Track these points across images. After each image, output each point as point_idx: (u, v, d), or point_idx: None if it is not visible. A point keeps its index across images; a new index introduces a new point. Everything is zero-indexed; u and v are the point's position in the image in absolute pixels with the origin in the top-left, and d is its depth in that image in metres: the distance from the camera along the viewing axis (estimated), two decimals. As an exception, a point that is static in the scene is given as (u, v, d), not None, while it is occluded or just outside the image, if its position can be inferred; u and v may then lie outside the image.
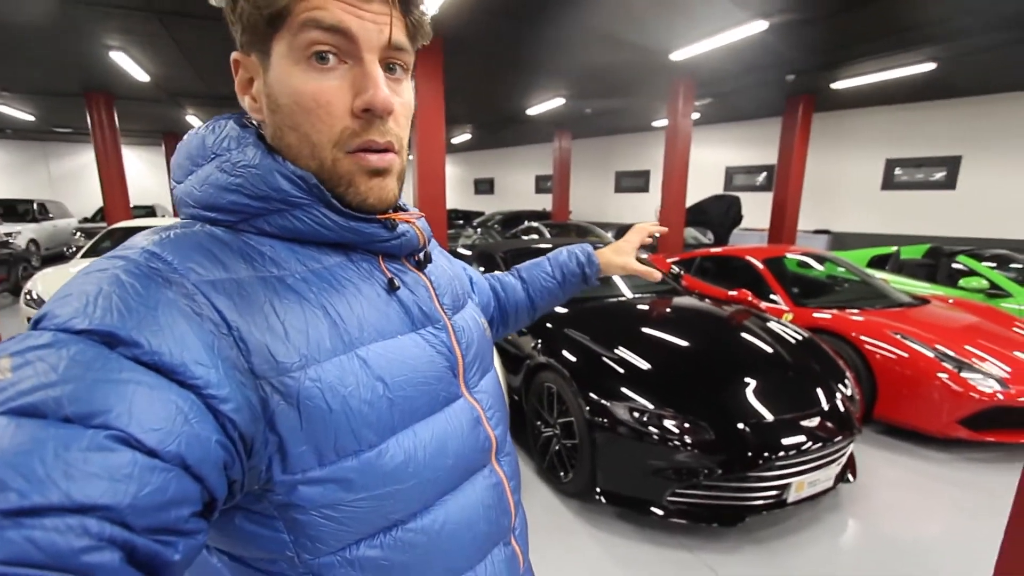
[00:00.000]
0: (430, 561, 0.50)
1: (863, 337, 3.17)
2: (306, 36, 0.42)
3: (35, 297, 4.31)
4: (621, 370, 2.35)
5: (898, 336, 3.06)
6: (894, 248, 5.72)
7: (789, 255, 4.50)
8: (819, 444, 2.10)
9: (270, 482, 0.40)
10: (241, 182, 0.44)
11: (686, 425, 2.07)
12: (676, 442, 2.04)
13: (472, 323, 0.61)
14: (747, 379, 2.32)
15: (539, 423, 2.65)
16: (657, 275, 1.02)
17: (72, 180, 14.52)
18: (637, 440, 2.10)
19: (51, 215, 10.47)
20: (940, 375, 2.83)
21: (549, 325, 2.79)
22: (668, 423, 2.09)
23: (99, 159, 8.08)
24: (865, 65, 6.24)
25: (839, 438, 2.17)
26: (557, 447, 2.49)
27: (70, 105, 8.17)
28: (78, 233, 9.92)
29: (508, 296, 0.92)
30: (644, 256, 4.39)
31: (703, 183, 10.66)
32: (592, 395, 2.26)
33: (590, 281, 0.97)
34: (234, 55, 0.48)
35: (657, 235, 1.05)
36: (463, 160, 18.97)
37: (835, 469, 2.23)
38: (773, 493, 2.08)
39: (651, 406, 2.14)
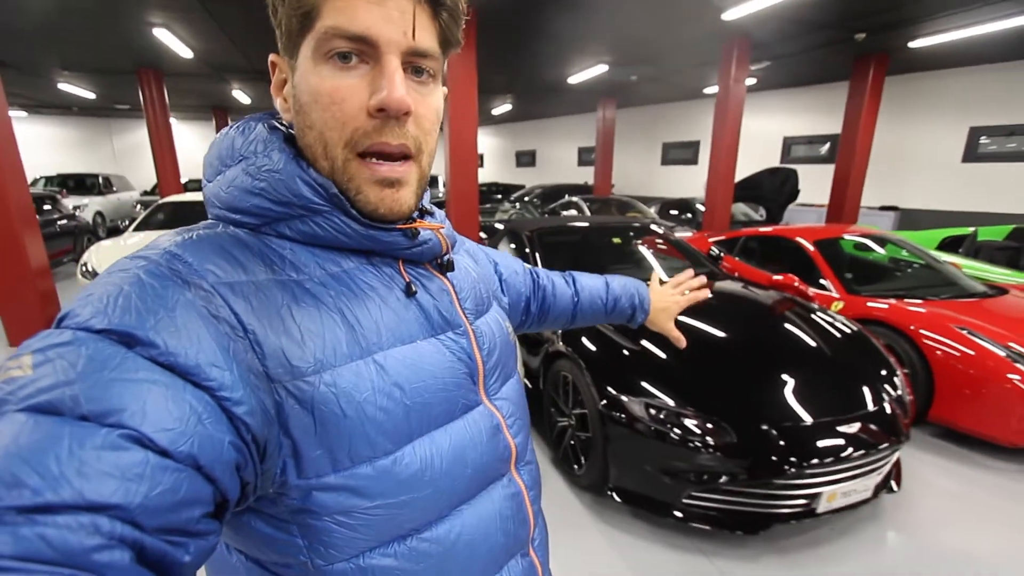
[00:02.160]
0: (444, 572, 0.49)
1: (923, 331, 2.86)
2: (329, 39, 0.42)
3: (90, 269, 4.57)
4: (642, 363, 2.21)
5: (964, 331, 2.74)
6: (970, 229, 5.15)
7: (847, 236, 4.12)
8: (859, 452, 1.90)
9: (285, 486, 0.41)
10: (265, 186, 0.45)
11: (708, 426, 1.92)
12: (696, 443, 1.90)
13: (495, 328, 0.60)
14: (782, 376, 2.13)
15: (554, 411, 2.56)
16: (683, 343, 0.99)
17: (134, 154, 15.32)
18: (654, 439, 1.97)
19: (115, 188, 11.07)
20: (1012, 376, 2.51)
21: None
22: (688, 422, 1.95)
23: (151, 134, 8.44)
24: (951, 19, 5.51)
25: (883, 445, 1.96)
26: (571, 438, 2.40)
27: (125, 82, 8.52)
28: (138, 206, 10.49)
29: (556, 300, 0.92)
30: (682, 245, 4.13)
31: (758, 154, 9.97)
32: (609, 388, 2.14)
33: (633, 324, 0.99)
34: (272, 56, 0.49)
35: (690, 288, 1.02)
36: (504, 131, 18.64)
37: (875, 479, 2.02)
38: (800, 502, 1.92)
39: (671, 403, 2.00)
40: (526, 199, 10.16)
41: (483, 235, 5.76)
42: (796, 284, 3.56)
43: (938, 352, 2.77)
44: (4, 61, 7.33)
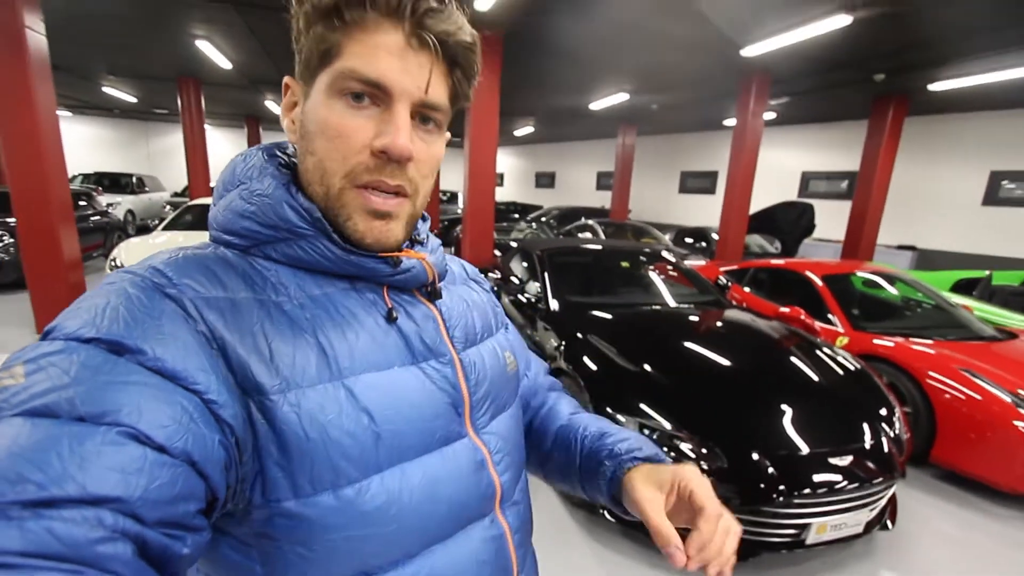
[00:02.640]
0: None
1: (927, 371, 2.86)
2: (345, 80, 0.44)
3: (119, 264, 4.75)
4: (642, 384, 2.26)
5: (968, 374, 2.73)
6: (986, 272, 5.11)
7: (858, 273, 4.14)
8: (851, 485, 1.92)
9: (250, 504, 0.41)
10: (255, 210, 0.47)
11: (702, 450, 1.96)
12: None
13: (489, 359, 0.58)
14: (779, 406, 2.16)
15: (554, 428, 2.60)
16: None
17: (167, 157, 15.90)
18: (646, 458, 2.01)
19: (147, 188, 11.51)
20: (1018, 423, 2.50)
21: (576, 331, 2.72)
22: (682, 445, 1.99)
23: (186, 139, 8.81)
24: (972, 64, 5.57)
25: (876, 480, 1.97)
26: (568, 455, 2.44)
27: (165, 89, 8.93)
28: (167, 207, 10.86)
29: (541, 423, 0.73)
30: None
31: (775, 187, 10.02)
32: (607, 408, 2.19)
33: (599, 495, 0.64)
34: (286, 79, 0.50)
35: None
36: (525, 152, 18.93)
37: (867, 514, 2.03)
38: (790, 532, 1.93)
39: (667, 425, 2.04)
40: (543, 219, 10.29)
41: (497, 252, 5.88)
42: (802, 317, 3.58)
43: (944, 394, 2.77)
44: (56, 64, 7.74)
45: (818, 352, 2.64)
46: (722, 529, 0.50)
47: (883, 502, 2.11)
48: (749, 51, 5.25)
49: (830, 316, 3.61)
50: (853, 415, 2.20)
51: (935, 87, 6.39)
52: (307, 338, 0.44)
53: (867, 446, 2.06)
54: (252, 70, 7.72)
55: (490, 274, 4.27)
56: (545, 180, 18.41)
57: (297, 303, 0.45)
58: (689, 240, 8.95)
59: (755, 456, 1.93)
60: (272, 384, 0.41)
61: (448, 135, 0.53)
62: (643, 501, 0.53)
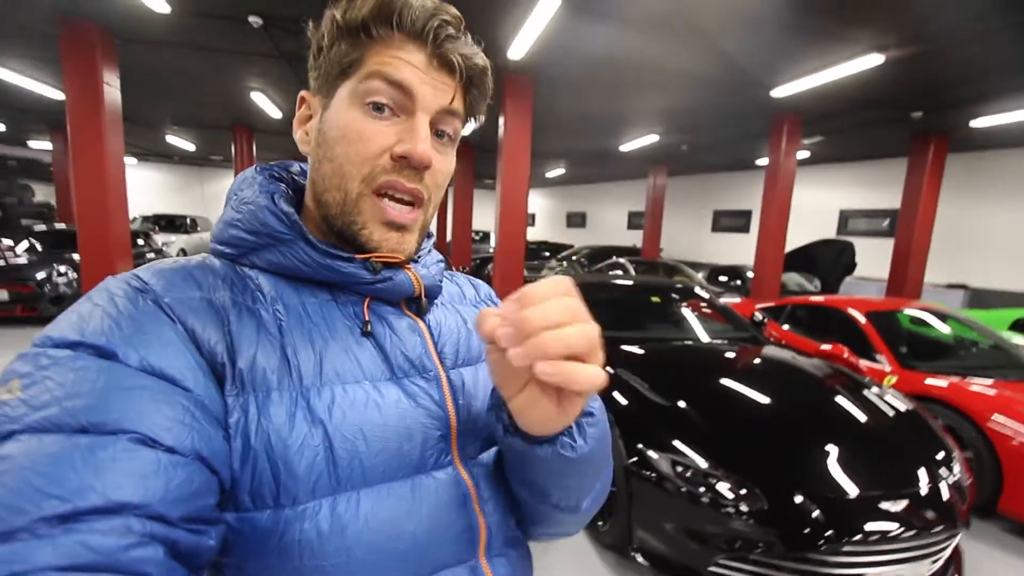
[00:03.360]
0: None
1: (989, 414, 2.66)
2: (370, 84, 0.44)
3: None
4: (676, 420, 2.19)
5: (1035, 418, 2.53)
6: (1048, 311, 4.80)
7: (906, 311, 3.95)
8: (908, 532, 1.77)
9: None
10: (241, 217, 0.47)
11: (740, 490, 1.87)
12: (726, 507, 1.84)
13: (484, 380, 0.53)
14: (823, 446, 2.05)
15: (584, 464, 2.53)
16: None
17: (219, 200, 16.84)
18: (681, 499, 1.93)
19: (199, 228, 12.28)
20: (1094, 472, 2.28)
21: (605, 364, 2.68)
22: (718, 484, 1.90)
23: (237, 183, 9.36)
24: (1014, 100, 5.43)
25: (936, 529, 1.82)
26: (598, 492, 2.35)
27: (220, 137, 9.63)
28: (216, 245, 11.47)
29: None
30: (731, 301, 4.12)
31: (812, 226, 9.80)
32: (638, 444, 2.12)
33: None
34: (303, 92, 0.51)
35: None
36: (557, 194, 19.24)
37: (928, 566, 1.86)
38: (842, 583, 1.79)
39: (702, 463, 1.96)
40: (573, 258, 10.32)
41: (527, 289, 5.90)
42: (846, 355, 3.42)
43: (1010, 440, 2.56)
44: (127, 116, 8.49)
45: (865, 391, 2.51)
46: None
47: (946, 554, 1.94)
48: (779, 92, 5.29)
49: (876, 355, 3.44)
50: (906, 457, 2.06)
51: (977, 124, 6.24)
52: (273, 343, 0.42)
53: (923, 491, 1.91)
54: (300, 119, 8.24)
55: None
56: (576, 220, 18.57)
57: (271, 309, 0.44)
58: (723, 278, 8.78)
59: (799, 498, 1.82)
60: (228, 385, 0.40)
61: (455, 147, 0.53)
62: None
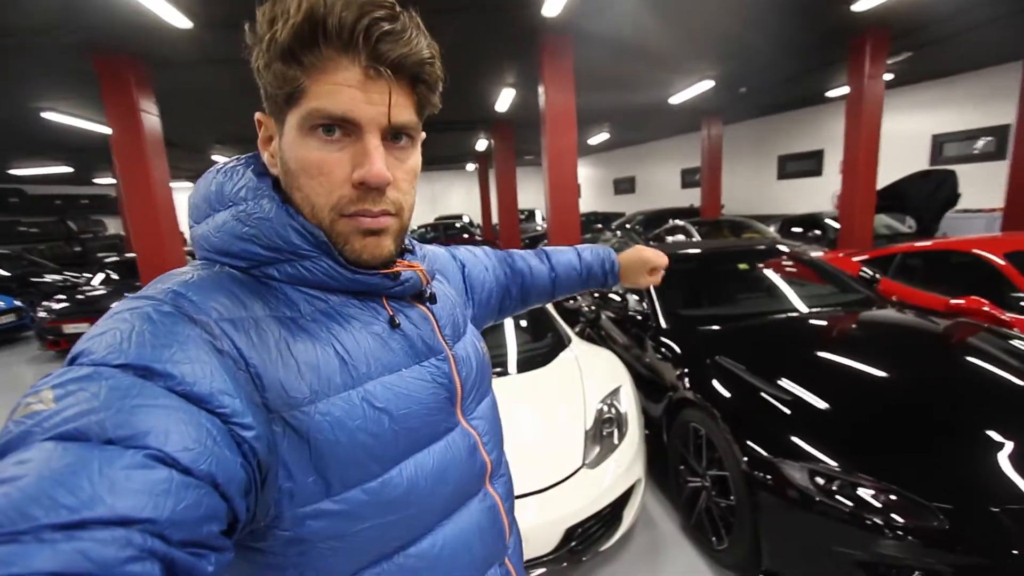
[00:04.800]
0: None
1: None
2: (313, 118, 0.45)
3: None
4: (796, 415, 1.80)
5: None
6: None
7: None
8: None
9: (279, 517, 0.42)
10: (255, 232, 0.47)
11: (894, 499, 1.47)
12: (889, 527, 1.45)
13: (472, 350, 0.63)
14: (992, 434, 1.60)
15: (683, 468, 2.19)
16: (659, 279, 1.05)
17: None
18: (820, 514, 1.55)
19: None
20: None
21: (699, 352, 2.30)
22: (866, 495, 1.51)
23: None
24: None
25: None
26: (707, 504, 2.02)
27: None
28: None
29: (534, 280, 0.95)
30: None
31: (897, 159, 8.67)
32: (751, 443, 1.76)
33: (608, 286, 1.05)
34: (258, 115, 0.52)
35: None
36: (601, 161, 18.47)
37: None
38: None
39: (837, 467, 1.58)
40: (627, 226, 9.76)
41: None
42: (986, 308, 2.85)
43: None
44: (174, 142, 8.75)
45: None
46: None
47: None
48: (861, 4, 4.51)
49: (1025, 304, 2.84)
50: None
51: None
52: (327, 350, 0.46)
53: None
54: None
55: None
56: (624, 185, 17.77)
57: (309, 318, 0.47)
58: (797, 229, 7.95)
59: (993, 510, 1.40)
60: (303, 396, 0.43)
61: (423, 135, 0.54)
62: (638, 283, 1.05)
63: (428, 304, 0.59)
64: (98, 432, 0.31)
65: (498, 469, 0.63)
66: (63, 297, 6.42)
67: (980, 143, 8.34)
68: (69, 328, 6.07)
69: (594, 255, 1.02)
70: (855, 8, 4.59)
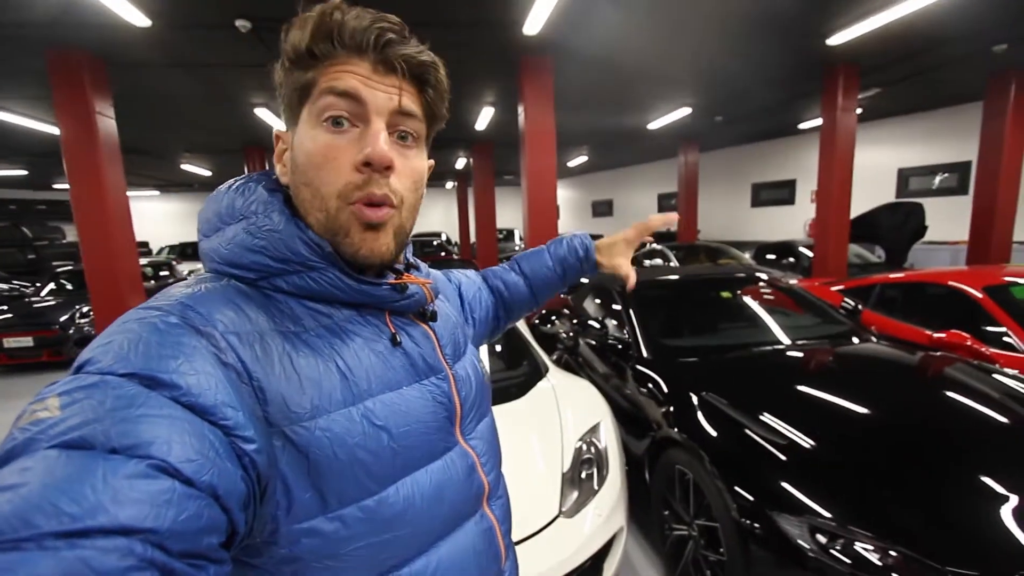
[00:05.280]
0: None
1: None
2: (324, 101, 0.47)
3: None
4: (792, 462, 1.65)
5: None
6: None
7: (1013, 279, 3.26)
8: None
9: (275, 533, 0.42)
10: (265, 244, 0.48)
11: (898, 558, 1.34)
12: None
13: (471, 370, 0.63)
14: (992, 483, 1.49)
15: (667, 513, 2.03)
16: (632, 281, 0.94)
17: (243, 223, 17.08)
18: (815, 572, 1.41)
19: (225, 254, 12.28)
20: None
21: (684, 388, 2.15)
22: (866, 552, 1.37)
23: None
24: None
25: None
26: (694, 555, 1.85)
27: (235, 160, 9.47)
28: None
29: (512, 294, 0.94)
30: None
31: (866, 191, 8.90)
32: (752, 497, 1.61)
33: (587, 274, 0.99)
34: (277, 131, 0.55)
35: (672, 227, 0.82)
36: (579, 183, 18.64)
37: None
38: None
39: (830, 517, 1.44)
40: (606, 249, 9.73)
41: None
42: (969, 343, 2.81)
43: None
44: (140, 149, 8.40)
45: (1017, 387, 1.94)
46: None
47: None
48: (837, 39, 4.60)
49: (1008, 338, 2.81)
50: None
51: (1072, 50, 5.37)
52: (329, 365, 0.47)
53: None
54: (310, 132, 7.98)
55: (561, 316, 3.80)
56: (602, 208, 17.93)
57: (313, 333, 0.48)
58: (771, 256, 8.04)
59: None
60: (304, 411, 0.43)
61: (432, 162, 0.58)
62: (617, 267, 0.94)
63: (429, 323, 0.60)
64: (102, 441, 0.32)
65: (496, 491, 0.63)
66: (5, 308, 5.98)
67: (943, 178, 8.66)
68: (10, 342, 5.63)
69: (566, 246, 0.96)
70: (830, 42, 4.69)
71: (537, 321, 3.47)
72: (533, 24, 4.09)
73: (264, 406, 0.42)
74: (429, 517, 0.51)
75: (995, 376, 2.11)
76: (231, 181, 0.53)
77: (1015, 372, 2.24)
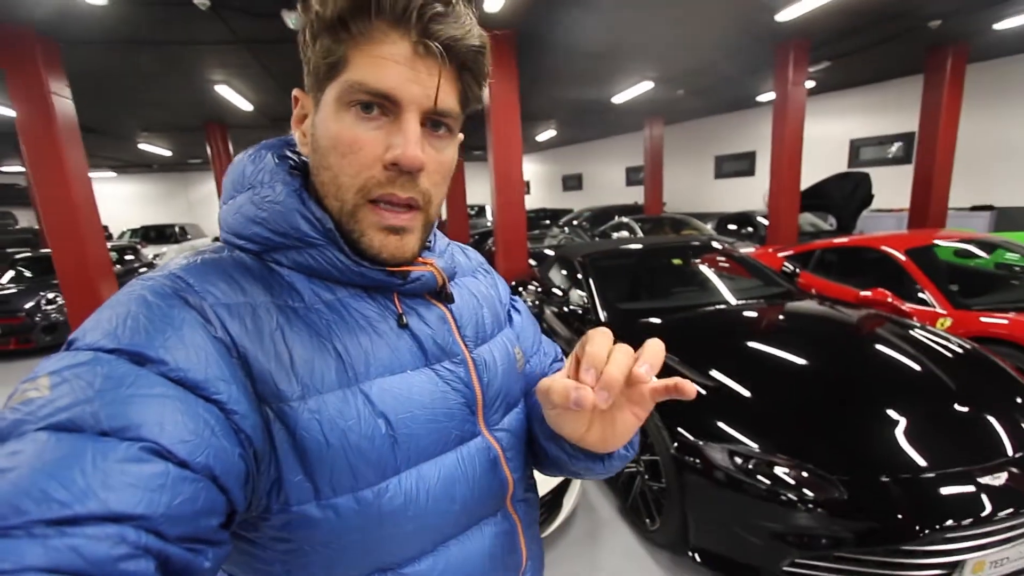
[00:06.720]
0: None
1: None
2: (353, 90, 0.43)
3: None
4: (719, 399, 1.93)
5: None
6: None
7: (940, 243, 3.63)
8: (1006, 511, 1.53)
9: (268, 510, 0.41)
10: (266, 216, 0.46)
11: (805, 475, 1.62)
12: (794, 499, 1.59)
13: (499, 356, 0.58)
14: (891, 412, 1.79)
15: (621, 455, 2.29)
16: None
17: (205, 204, 16.59)
18: (740, 492, 1.68)
19: (189, 236, 12.00)
20: None
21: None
22: (781, 472, 1.65)
23: (218, 184, 9.02)
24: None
25: (1040, 499, 1.57)
26: (641, 487, 2.13)
27: (195, 138, 9.22)
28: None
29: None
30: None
31: (822, 161, 9.33)
32: (680, 430, 1.87)
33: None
34: (296, 91, 0.49)
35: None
36: (549, 157, 18.68)
37: (1034, 544, 1.62)
38: (936, 573, 1.55)
39: (757, 448, 1.71)
40: (575, 223, 9.95)
41: (532, 262, 5.62)
42: (889, 300, 3.14)
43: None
44: (94, 128, 8.09)
45: (920, 337, 2.25)
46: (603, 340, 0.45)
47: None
48: (786, 14, 4.82)
49: (923, 295, 3.15)
50: (992, 415, 1.80)
51: (1001, 26, 5.73)
52: (325, 344, 0.44)
53: (1018, 455, 1.66)
54: (272, 109, 7.82)
55: (528, 286, 4.01)
56: (572, 182, 18.07)
57: (312, 309, 0.45)
58: (733, 227, 8.43)
59: (882, 482, 1.57)
60: (293, 391, 0.41)
61: (461, 136, 0.51)
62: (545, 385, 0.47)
63: (447, 304, 0.55)
64: (92, 423, 0.30)
65: (519, 489, 0.57)
66: (-37, 298, 5.83)
67: (892, 148, 9.12)
68: (-29, 333, 5.53)
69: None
70: (779, 18, 4.90)
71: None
72: (494, 2, 4.17)
73: (252, 382, 0.40)
74: (436, 515, 0.48)
75: (909, 329, 2.42)
76: (250, 148, 0.51)
77: (928, 326, 2.55)
